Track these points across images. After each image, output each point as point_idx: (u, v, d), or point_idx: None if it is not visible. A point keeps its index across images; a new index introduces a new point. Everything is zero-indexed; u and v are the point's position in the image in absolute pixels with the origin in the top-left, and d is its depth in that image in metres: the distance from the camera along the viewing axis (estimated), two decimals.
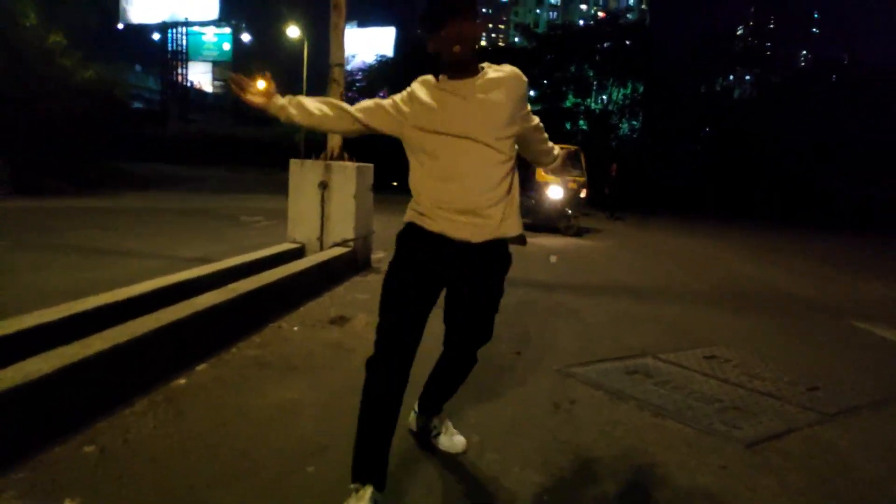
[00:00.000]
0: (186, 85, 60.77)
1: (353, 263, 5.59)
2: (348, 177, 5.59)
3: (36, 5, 11.89)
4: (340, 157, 5.89)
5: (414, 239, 1.87)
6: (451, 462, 2.22)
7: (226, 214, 11.14)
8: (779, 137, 26.34)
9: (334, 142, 6.01)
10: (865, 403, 3.15)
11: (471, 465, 2.21)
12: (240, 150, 42.84)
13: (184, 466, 2.05)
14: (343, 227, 5.64)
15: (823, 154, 25.72)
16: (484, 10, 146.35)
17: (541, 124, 2.08)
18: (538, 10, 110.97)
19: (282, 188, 20.58)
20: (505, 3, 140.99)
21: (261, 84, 2.07)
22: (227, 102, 70.13)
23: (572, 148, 12.00)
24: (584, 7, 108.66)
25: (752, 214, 22.70)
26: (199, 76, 68.86)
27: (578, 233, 11.35)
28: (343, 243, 5.62)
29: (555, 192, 11.15)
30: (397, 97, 1.91)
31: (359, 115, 1.93)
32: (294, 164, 5.90)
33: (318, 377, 3.01)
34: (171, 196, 14.90)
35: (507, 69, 1.90)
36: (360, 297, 4.80)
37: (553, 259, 8.08)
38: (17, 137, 11.72)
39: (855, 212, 23.54)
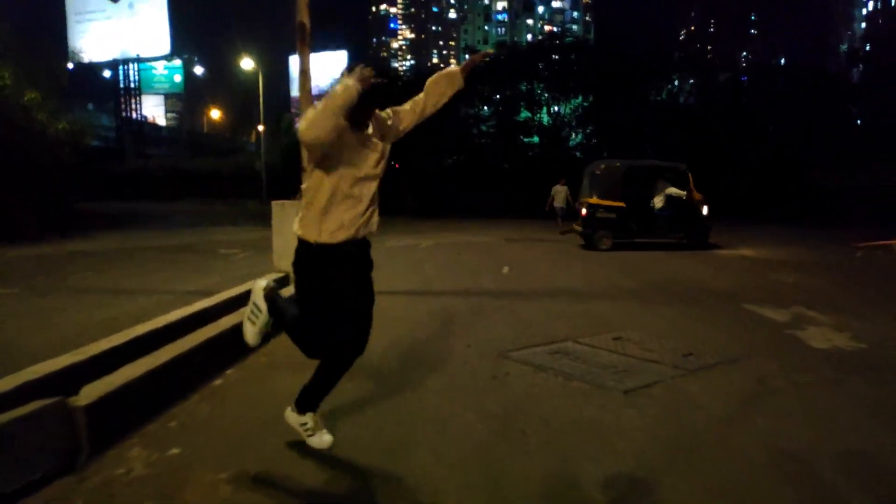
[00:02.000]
0: (140, 120, 60.81)
1: None
2: None
3: (10, 65, 12.66)
4: None
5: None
6: (423, 411, 3.27)
7: (204, 249, 11.99)
8: (723, 140, 27.91)
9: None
10: (722, 361, 4.30)
11: (434, 416, 3.25)
12: (200, 182, 43.21)
13: (234, 428, 3.05)
14: None
15: (764, 153, 27.32)
16: (433, 27, 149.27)
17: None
18: (486, 27, 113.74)
19: (248, 219, 21.39)
20: (454, 20, 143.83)
21: None
22: (182, 135, 70.51)
23: (680, 167, 12.84)
24: (530, 22, 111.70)
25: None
26: (152, 109, 68.99)
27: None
28: None
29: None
30: None
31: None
32: (276, 205, 6.91)
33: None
34: (145, 235, 15.64)
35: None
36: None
37: (505, 270, 9.21)
38: None
39: (792, 207, 24.86)
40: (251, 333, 2.86)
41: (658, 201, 12.53)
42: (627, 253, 12.02)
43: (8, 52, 12.91)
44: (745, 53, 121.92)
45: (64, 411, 2.60)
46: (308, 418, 2.79)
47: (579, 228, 12.95)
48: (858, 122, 34.66)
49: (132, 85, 56.58)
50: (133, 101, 56.93)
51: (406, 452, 2.78)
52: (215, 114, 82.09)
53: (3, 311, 5.92)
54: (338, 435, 2.85)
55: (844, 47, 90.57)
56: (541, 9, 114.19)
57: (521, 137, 33.29)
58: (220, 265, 9.63)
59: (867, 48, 63.33)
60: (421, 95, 2.87)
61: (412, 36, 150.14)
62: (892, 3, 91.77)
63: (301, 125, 2.34)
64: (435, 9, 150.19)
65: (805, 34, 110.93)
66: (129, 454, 2.75)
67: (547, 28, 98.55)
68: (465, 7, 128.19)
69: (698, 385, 3.79)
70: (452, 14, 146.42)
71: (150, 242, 13.46)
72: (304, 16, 6.62)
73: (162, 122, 70.60)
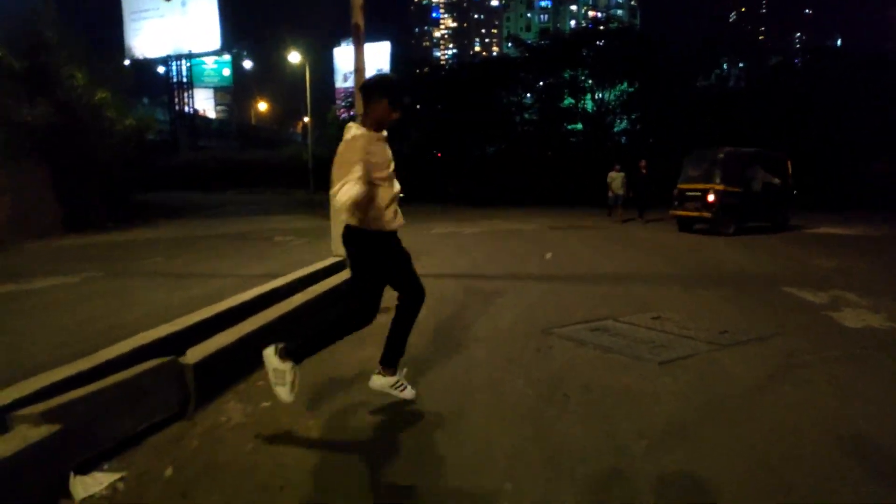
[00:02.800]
0: (192, 113, 62.68)
1: None
2: None
3: (84, 67, 13.58)
4: None
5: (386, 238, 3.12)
6: (476, 378, 3.67)
7: (261, 237, 12.64)
8: (775, 124, 27.24)
9: None
10: (755, 338, 4.56)
11: (487, 383, 3.65)
12: (251, 173, 44.48)
13: (313, 387, 3.50)
14: None
15: (822, 139, 26.50)
16: (476, 16, 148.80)
17: None
18: (528, 14, 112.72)
19: (298, 208, 22.16)
20: (497, 8, 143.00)
21: None
22: (232, 127, 72.43)
23: (780, 155, 14.29)
24: (574, 8, 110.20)
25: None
26: (203, 103, 70.98)
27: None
28: None
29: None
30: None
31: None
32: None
33: (378, 344, 4.46)
34: (203, 224, 16.45)
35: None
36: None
37: (548, 256, 9.52)
38: (69, 182, 13.35)
39: (853, 193, 24.03)
40: (285, 393, 2.95)
41: (756, 186, 13.25)
42: (669, 238, 12.15)
43: (78, 53, 13.80)
44: (798, 34, 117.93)
45: (177, 368, 3.09)
46: (397, 376, 3.24)
47: (688, 213, 13.55)
48: None
49: (184, 80, 58.31)
50: (185, 94, 58.69)
51: (464, 412, 3.18)
52: (262, 106, 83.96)
53: (94, 291, 6.56)
54: (398, 400, 3.26)
55: None
56: None
57: (565, 124, 33.25)
58: (277, 251, 10.21)
59: None
60: None
61: (454, 25, 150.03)
62: None
63: (338, 198, 2.77)
64: None
65: (863, 15, 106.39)
66: (227, 406, 3.24)
67: (591, 14, 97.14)
68: None
69: (731, 358, 4.08)
70: (495, 2, 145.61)
71: (209, 231, 14.22)
72: (358, 17, 7.04)
73: (212, 114, 72.52)
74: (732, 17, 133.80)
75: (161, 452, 2.71)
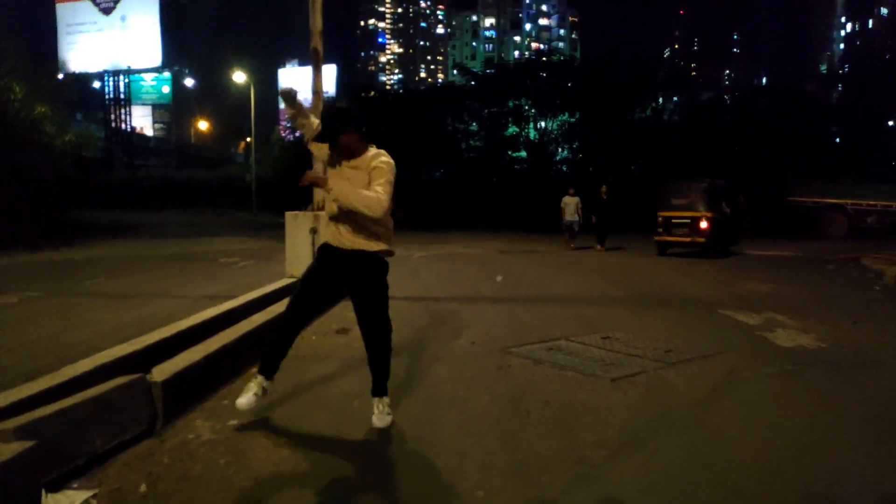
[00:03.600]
0: (129, 130, 60.82)
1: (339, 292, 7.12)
2: None
3: (22, 80, 13.10)
4: (323, 209, 7.43)
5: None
6: (442, 395, 3.78)
7: (206, 258, 12.40)
8: (705, 158, 28.65)
9: (319, 196, 7.55)
10: (697, 356, 4.86)
11: (452, 399, 3.77)
12: (190, 192, 43.36)
13: (280, 405, 3.54)
14: None
15: (749, 169, 27.95)
16: (421, 42, 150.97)
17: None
18: (474, 43, 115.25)
19: (242, 229, 21.76)
20: (442, 36, 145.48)
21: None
22: (170, 146, 70.61)
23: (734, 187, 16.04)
24: (517, 39, 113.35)
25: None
26: (139, 120, 69.03)
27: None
28: None
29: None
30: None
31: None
32: (289, 215, 7.41)
33: (337, 362, 4.52)
34: (143, 243, 15.98)
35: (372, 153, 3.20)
36: (351, 315, 6.31)
37: (499, 279, 9.75)
38: (1, 199, 12.78)
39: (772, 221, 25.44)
40: (240, 399, 3.29)
41: (726, 213, 14.81)
42: (610, 262, 12.62)
43: (17, 67, 13.32)
44: (727, 72, 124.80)
45: (145, 385, 3.08)
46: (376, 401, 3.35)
47: (678, 239, 14.64)
48: (837, 140, 35.70)
49: (121, 96, 56.59)
50: (122, 111, 56.90)
51: (433, 427, 3.29)
52: (203, 125, 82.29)
53: (36, 311, 6.34)
54: (370, 415, 3.34)
55: (824, 67, 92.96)
56: (528, 26, 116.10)
57: (509, 152, 34.08)
58: (224, 273, 10.06)
59: (846, 69, 65.18)
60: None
61: (400, 50, 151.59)
62: (870, 26, 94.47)
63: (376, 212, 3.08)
64: (423, 24, 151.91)
65: (786, 54, 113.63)
66: (195, 423, 3.24)
67: (534, 45, 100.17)
68: (454, 23, 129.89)
69: (676, 375, 4.34)
70: (440, 29, 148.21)
71: (151, 251, 13.83)
72: (317, 43, 7.18)
73: (150, 132, 70.61)
74: (667, 52, 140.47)
75: (133, 469, 2.70)
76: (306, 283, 3.38)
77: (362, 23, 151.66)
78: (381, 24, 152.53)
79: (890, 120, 37.55)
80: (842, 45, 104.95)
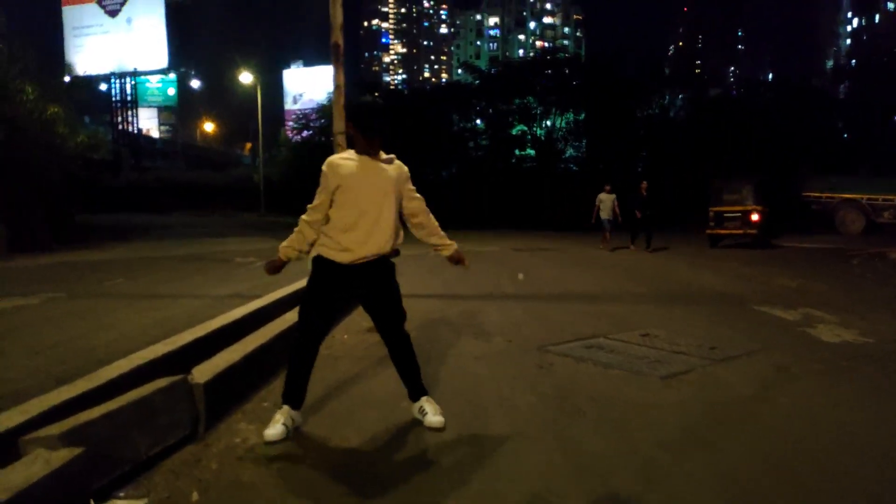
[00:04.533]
0: (136, 133, 60.93)
1: None
2: None
3: (34, 81, 13.03)
4: None
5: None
6: (488, 395, 3.64)
7: (221, 258, 12.31)
8: (712, 154, 28.40)
9: None
10: (744, 353, 4.70)
11: (499, 399, 3.63)
12: (198, 194, 43.42)
13: (320, 406, 3.41)
14: None
15: (758, 165, 27.70)
16: (425, 42, 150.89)
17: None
18: (478, 42, 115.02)
19: (251, 230, 21.70)
20: (446, 35, 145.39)
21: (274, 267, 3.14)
22: (177, 147, 70.69)
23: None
24: (521, 37, 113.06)
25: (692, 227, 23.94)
26: (146, 122, 69.15)
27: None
28: None
29: None
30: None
31: (317, 216, 2.99)
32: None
33: (374, 360, 4.38)
34: (155, 245, 15.93)
35: (397, 163, 3.08)
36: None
37: (521, 276, 9.60)
38: (15, 201, 12.72)
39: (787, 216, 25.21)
40: (267, 430, 2.99)
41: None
42: (625, 259, 12.45)
43: (28, 68, 13.26)
44: (732, 68, 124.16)
45: (187, 387, 2.95)
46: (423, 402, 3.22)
47: (730, 231, 15.40)
48: (846, 135, 35.42)
49: (128, 98, 56.67)
50: (128, 114, 56.99)
51: (485, 427, 3.15)
52: (209, 127, 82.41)
53: (59, 312, 6.23)
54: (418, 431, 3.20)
55: (830, 63, 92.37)
56: (532, 24, 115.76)
57: (516, 151, 33.89)
58: (241, 273, 9.96)
59: (853, 64, 64.72)
60: (423, 223, 3.22)
61: (404, 50, 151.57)
62: (877, 21, 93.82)
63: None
64: (426, 24, 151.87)
65: (791, 50, 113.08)
66: (238, 426, 3.11)
67: (538, 44, 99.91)
68: (458, 22, 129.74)
69: (726, 372, 4.19)
70: (444, 29, 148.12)
71: (164, 252, 13.76)
72: (338, 37, 7.00)
73: (156, 134, 70.70)
74: (671, 50, 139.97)
75: (180, 475, 2.57)
76: (317, 306, 3.07)
77: (365, 23, 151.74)
78: (385, 25, 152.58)
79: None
80: (848, 41, 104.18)
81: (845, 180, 22.45)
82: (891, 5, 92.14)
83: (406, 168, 3.15)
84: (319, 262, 3.02)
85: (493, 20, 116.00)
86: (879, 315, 6.34)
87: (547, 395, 3.65)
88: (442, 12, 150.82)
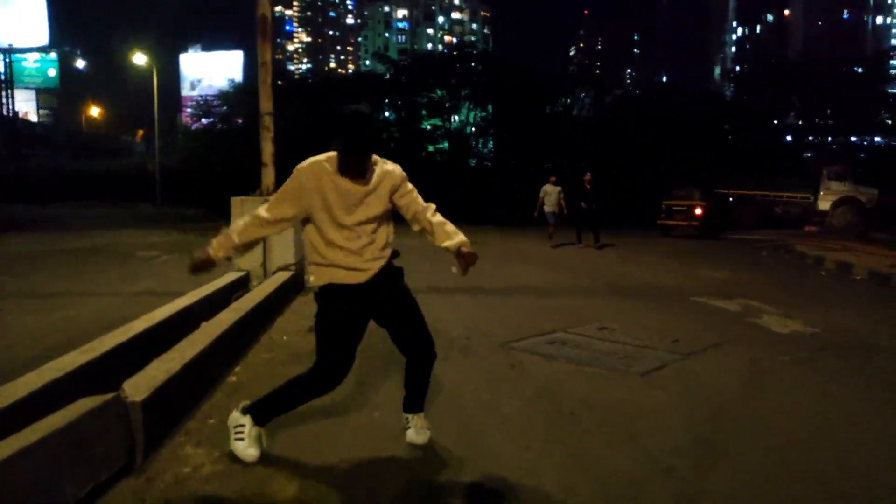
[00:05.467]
0: (13, 116, 55.42)
1: (296, 284, 6.40)
2: None
3: None
4: (274, 193, 6.66)
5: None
6: (469, 403, 3.26)
7: (120, 251, 11.18)
8: (617, 153, 29.29)
9: (268, 180, 6.77)
10: (709, 346, 4.60)
11: (483, 406, 3.26)
12: (86, 184, 40.03)
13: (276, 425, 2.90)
14: (284, 254, 6.44)
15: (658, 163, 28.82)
16: (331, 32, 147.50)
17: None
18: (387, 34, 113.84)
19: (148, 222, 20.16)
20: (353, 26, 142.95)
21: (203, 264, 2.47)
22: (60, 133, 65.01)
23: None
24: (430, 31, 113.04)
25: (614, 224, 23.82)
26: (22, 104, 63.11)
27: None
28: (286, 267, 6.40)
29: None
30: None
31: (274, 229, 2.52)
32: (235, 201, 6.57)
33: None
34: (43, 237, 14.27)
35: (390, 166, 2.56)
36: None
37: (454, 269, 9.25)
38: None
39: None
40: (244, 448, 2.48)
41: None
42: (545, 251, 12.41)
43: None
44: (629, 71, 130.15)
45: (121, 407, 2.38)
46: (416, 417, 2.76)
47: (677, 223, 17.10)
48: (730, 137, 37.71)
49: (1, 77, 51.34)
50: (2, 94, 51.67)
51: (481, 440, 2.76)
52: (95, 111, 76.49)
53: None
54: (396, 429, 2.79)
55: (718, 69, 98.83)
56: (441, 19, 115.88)
57: (427, 145, 33.59)
58: (147, 268, 9.03)
59: (738, 70, 69.51)
60: (427, 219, 2.68)
61: (308, 39, 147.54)
62: (758, 31, 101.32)
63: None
64: (332, 13, 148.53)
65: (683, 55, 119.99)
66: (184, 452, 2.56)
67: (447, 38, 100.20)
68: (366, 13, 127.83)
69: (701, 367, 4.04)
70: (350, 20, 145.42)
71: (55, 245, 12.30)
72: (265, 9, 6.40)
73: (34, 118, 64.73)
74: (572, 51, 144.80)
75: None
76: (343, 343, 2.47)
77: None
78: (289, 12, 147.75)
79: (778, 118, 40.23)
80: (733, 49, 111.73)
81: (742, 180, 24.00)
82: (770, 17, 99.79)
83: (399, 172, 2.60)
84: (330, 291, 2.47)
85: (401, 13, 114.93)
86: (812, 306, 6.51)
87: (532, 399, 3.33)
88: (348, 2, 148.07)
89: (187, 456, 2.52)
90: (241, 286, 6.13)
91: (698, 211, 16.58)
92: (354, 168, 2.38)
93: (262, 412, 2.52)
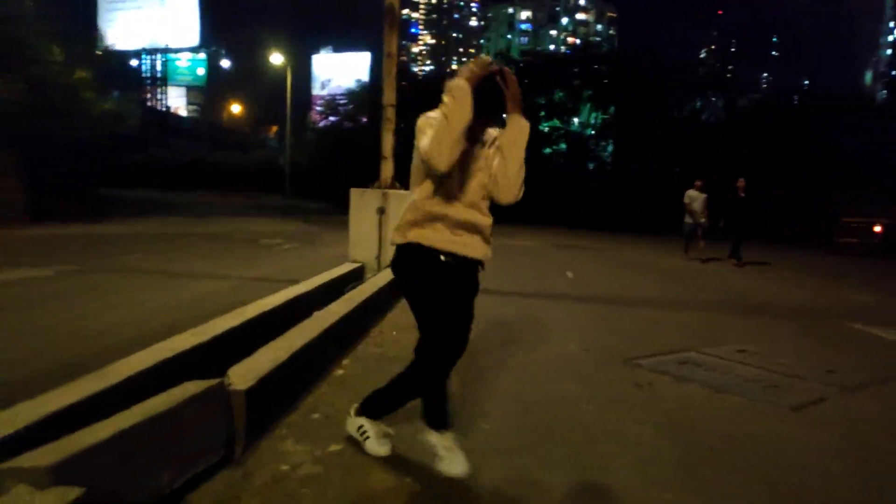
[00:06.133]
0: (164, 110, 60.81)
1: None
2: (403, 202, 6.30)
3: (61, 44, 12.45)
4: (392, 186, 6.60)
5: None
6: (590, 424, 2.92)
7: (245, 238, 11.70)
8: (749, 159, 27.23)
9: (387, 173, 6.72)
10: (871, 381, 3.93)
11: (605, 429, 2.91)
12: (221, 174, 43.10)
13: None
14: None
15: (789, 174, 26.54)
16: (455, 34, 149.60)
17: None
18: (509, 36, 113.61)
19: (276, 212, 21.11)
20: (476, 28, 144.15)
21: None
22: (204, 127, 70.53)
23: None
24: (553, 33, 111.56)
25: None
26: (175, 100, 69.12)
27: None
28: None
29: None
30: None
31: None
32: (354, 192, 6.58)
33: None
34: (177, 221, 15.32)
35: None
36: None
37: (569, 275, 8.85)
38: (37, 168, 12.19)
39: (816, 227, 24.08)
40: (374, 446, 2.37)
41: None
42: (665, 261, 11.62)
43: (57, 29, 12.66)
44: (765, 75, 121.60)
45: (224, 395, 2.27)
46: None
47: (852, 241, 16.55)
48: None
49: (158, 75, 56.51)
50: (157, 91, 56.85)
51: (605, 471, 2.42)
52: (236, 108, 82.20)
53: (67, 287, 5.65)
54: (508, 472, 2.50)
55: (869, 73, 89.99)
56: (565, 20, 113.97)
57: (546, 149, 32.95)
58: (267, 254, 9.34)
59: (893, 73, 62.81)
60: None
61: (433, 41, 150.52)
62: None
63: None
64: (456, 16, 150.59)
65: (828, 58, 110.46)
66: (283, 447, 2.41)
67: (570, 40, 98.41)
68: (489, 15, 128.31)
69: (867, 405, 3.43)
70: (474, 22, 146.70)
71: (186, 229, 13.16)
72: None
73: (184, 113, 70.67)
74: (703, 53, 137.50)
75: None
76: (448, 316, 2.21)
77: None
78: (415, 15, 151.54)
79: None
80: (888, 51, 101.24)
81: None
82: None
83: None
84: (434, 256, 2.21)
85: (525, 14, 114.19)
86: None
87: (664, 427, 2.92)
88: (473, 5, 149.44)
89: (287, 452, 2.38)
90: (355, 277, 6.11)
91: (878, 228, 16.02)
92: None
93: (374, 407, 2.42)
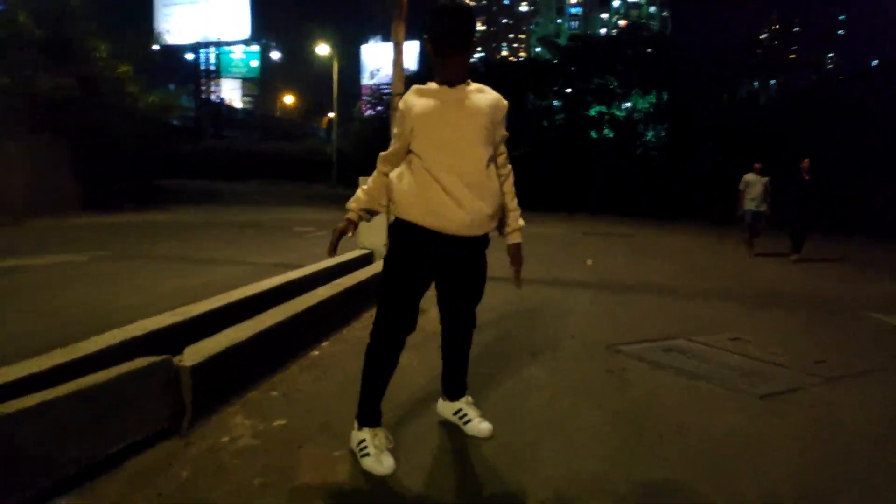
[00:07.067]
0: (218, 102, 62.54)
1: None
2: None
3: (108, 40, 13.07)
4: None
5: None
6: (539, 409, 2.97)
7: (279, 226, 12.05)
8: (809, 143, 26.00)
9: None
10: (861, 372, 3.82)
11: (555, 415, 2.95)
12: (271, 163, 44.21)
13: (340, 404, 2.82)
14: None
15: (851, 160, 25.29)
16: (504, 20, 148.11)
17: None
18: (559, 21, 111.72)
19: (319, 200, 21.52)
20: (525, 13, 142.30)
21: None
22: (256, 119, 72.35)
23: None
24: (604, 16, 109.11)
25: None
26: (229, 93, 70.99)
27: None
28: None
29: None
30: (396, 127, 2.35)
31: (385, 168, 2.42)
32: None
33: (409, 350, 3.77)
34: (220, 210, 15.88)
35: (493, 93, 2.38)
36: (429, 294, 5.58)
37: (589, 262, 8.79)
38: (88, 159, 12.86)
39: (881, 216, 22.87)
40: (372, 463, 2.25)
41: None
42: (699, 249, 11.35)
43: (102, 27, 13.28)
44: (831, 55, 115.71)
45: (170, 371, 2.43)
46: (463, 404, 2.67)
47: None
48: None
49: (212, 68, 58.15)
50: (212, 84, 58.52)
51: (533, 461, 2.44)
52: (288, 99, 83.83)
53: (94, 271, 5.99)
54: (456, 444, 2.57)
55: None
56: (616, 3, 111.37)
57: (591, 133, 32.40)
58: (296, 242, 9.61)
59: None
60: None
61: (482, 28, 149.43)
62: None
63: None
64: (506, 1, 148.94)
65: None
66: (232, 421, 2.57)
67: (622, 23, 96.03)
68: (539, 0, 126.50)
69: (841, 397, 3.33)
70: (524, 7, 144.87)
71: (226, 218, 13.64)
72: None
73: (238, 104, 72.57)
74: (764, 35, 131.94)
75: (139, 483, 2.04)
76: (408, 290, 2.39)
77: None
78: (467, 0, 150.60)
79: None
80: None
81: None
82: None
83: (505, 102, 2.40)
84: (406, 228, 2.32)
85: None
86: None
87: (618, 415, 2.93)
88: None
89: (234, 426, 2.52)
90: (364, 263, 6.24)
91: None
92: None
93: (369, 414, 2.37)
